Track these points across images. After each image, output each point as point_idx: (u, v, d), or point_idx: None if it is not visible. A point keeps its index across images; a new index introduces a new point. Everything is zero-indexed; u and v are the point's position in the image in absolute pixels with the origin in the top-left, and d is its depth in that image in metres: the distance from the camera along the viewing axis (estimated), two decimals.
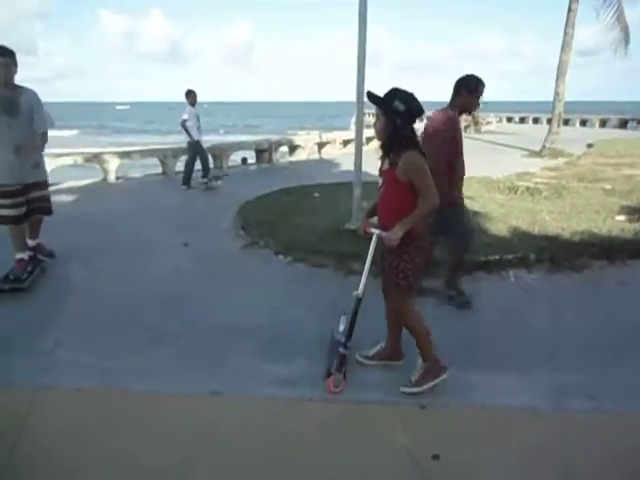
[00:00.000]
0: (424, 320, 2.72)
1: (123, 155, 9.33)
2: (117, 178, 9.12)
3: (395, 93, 2.48)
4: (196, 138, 8.22)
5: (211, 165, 9.15)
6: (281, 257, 4.82)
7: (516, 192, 7.35)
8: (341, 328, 3.00)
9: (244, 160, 11.50)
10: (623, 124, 22.38)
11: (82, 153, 9.19)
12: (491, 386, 2.77)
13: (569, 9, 11.76)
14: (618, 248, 4.71)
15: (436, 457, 2.23)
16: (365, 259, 2.75)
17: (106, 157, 8.99)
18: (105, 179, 9.04)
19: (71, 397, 2.70)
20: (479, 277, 4.35)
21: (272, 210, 6.34)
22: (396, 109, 2.45)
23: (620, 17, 12.44)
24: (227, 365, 2.98)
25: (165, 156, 9.70)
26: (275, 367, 2.94)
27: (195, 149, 8.35)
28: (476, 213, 6.02)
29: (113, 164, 9.03)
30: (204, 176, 8.48)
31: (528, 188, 7.46)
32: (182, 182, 8.39)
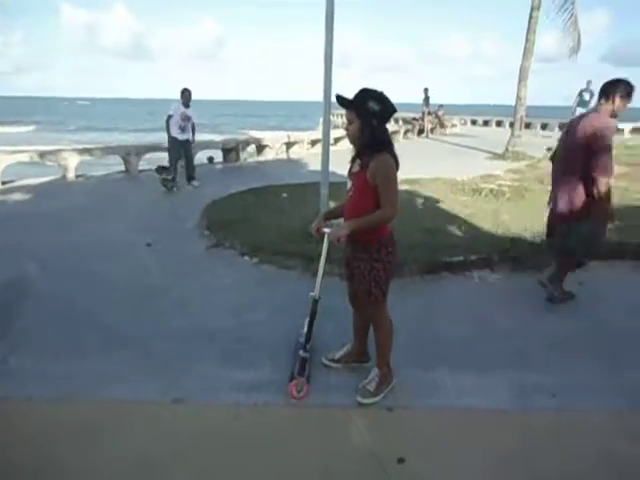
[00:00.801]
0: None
1: (83, 152, 9.01)
2: (77, 176, 8.79)
3: (367, 93, 2.37)
4: (175, 135, 8.08)
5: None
6: (247, 258, 4.74)
7: (480, 194, 7.48)
8: (306, 330, 2.95)
9: (210, 159, 11.29)
10: None
11: (38, 150, 8.80)
12: (456, 386, 2.78)
13: (530, 16, 12.09)
14: None
15: (401, 460, 2.22)
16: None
17: (65, 154, 8.65)
18: (64, 177, 8.69)
19: (23, 407, 2.56)
20: (444, 277, 4.39)
21: (238, 210, 6.24)
22: (371, 110, 2.35)
23: (574, 24, 12.87)
24: (190, 371, 2.88)
25: (128, 154, 9.41)
26: (239, 372, 2.86)
27: (174, 146, 8.19)
28: (441, 214, 6.11)
29: (72, 161, 8.69)
30: (189, 177, 8.34)
31: (492, 190, 7.61)
32: (193, 177, 8.35)
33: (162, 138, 8.55)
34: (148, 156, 10.16)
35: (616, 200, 7.18)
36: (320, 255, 2.66)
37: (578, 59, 13.69)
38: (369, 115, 2.35)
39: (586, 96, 15.04)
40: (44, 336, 3.25)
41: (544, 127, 24.36)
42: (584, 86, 15.27)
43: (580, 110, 13.12)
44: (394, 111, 2.43)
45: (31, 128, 40.94)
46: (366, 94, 2.37)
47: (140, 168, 9.67)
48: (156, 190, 7.95)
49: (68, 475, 2.11)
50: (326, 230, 2.60)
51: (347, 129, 2.46)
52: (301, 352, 2.61)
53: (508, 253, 4.70)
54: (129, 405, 2.57)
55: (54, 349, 3.09)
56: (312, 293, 2.65)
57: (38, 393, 2.65)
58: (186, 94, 7.95)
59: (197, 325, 3.42)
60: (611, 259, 4.73)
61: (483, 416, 2.57)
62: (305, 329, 2.71)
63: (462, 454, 2.31)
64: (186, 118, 8.05)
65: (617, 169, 10.58)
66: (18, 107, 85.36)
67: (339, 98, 2.42)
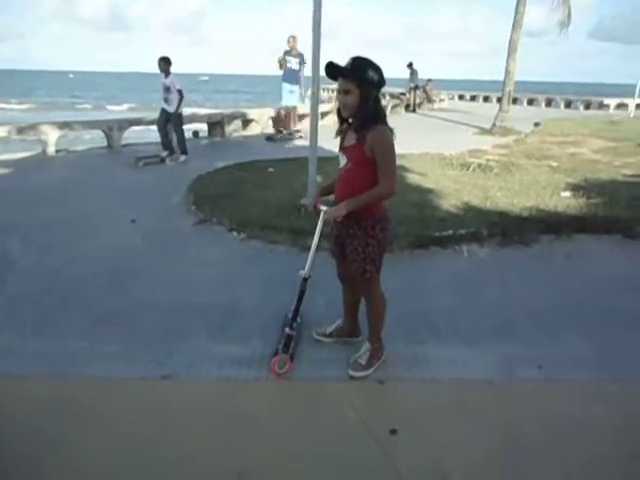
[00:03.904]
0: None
1: (63, 126, 8.72)
2: (57, 151, 8.53)
3: (366, 62, 2.26)
4: (162, 107, 8.07)
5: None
6: (235, 234, 4.67)
7: (468, 168, 7.46)
8: (294, 308, 2.92)
9: (196, 133, 11.05)
10: (567, 104, 23.26)
11: (16, 125, 8.51)
12: (445, 359, 2.80)
13: None
14: (564, 223, 4.87)
15: (394, 432, 2.23)
16: (322, 234, 2.67)
17: (44, 128, 8.37)
18: (44, 151, 8.43)
19: (13, 386, 2.51)
20: (434, 252, 4.38)
21: (225, 185, 6.13)
22: (371, 79, 2.24)
23: None
24: (178, 346, 2.85)
25: (110, 128, 9.15)
26: (229, 348, 2.84)
27: (159, 118, 8.16)
28: (430, 189, 6.08)
29: (52, 136, 8.42)
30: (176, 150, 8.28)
31: (480, 165, 7.60)
32: (182, 152, 8.24)
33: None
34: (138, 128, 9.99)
35: (603, 175, 7.28)
36: (314, 232, 2.57)
37: (564, 34, 13.62)
38: (370, 85, 2.26)
39: None
40: (25, 313, 3.17)
41: (531, 102, 24.35)
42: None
43: None
44: (384, 83, 2.34)
45: (25, 107, 38.09)
46: (365, 63, 2.26)
47: (123, 142, 9.42)
48: (142, 167, 7.76)
49: (52, 454, 2.08)
50: (322, 208, 2.53)
51: (343, 100, 2.31)
52: (287, 329, 2.58)
53: (496, 227, 4.71)
54: (115, 382, 2.54)
55: (35, 326, 3.03)
56: (302, 271, 2.59)
57: (19, 371, 2.60)
58: (160, 63, 7.71)
59: (185, 301, 3.38)
60: (599, 233, 4.77)
61: (471, 387, 2.59)
62: (293, 306, 2.67)
63: (452, 424, 2.33)
64: (166, 89, 7.82)
65: (603, 144, 10.67)
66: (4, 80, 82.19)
67: (333, 67, 2.27)
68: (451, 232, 4.58)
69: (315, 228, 2.59)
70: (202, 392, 2.52)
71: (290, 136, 10.42)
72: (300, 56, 9.67)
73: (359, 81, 2.24)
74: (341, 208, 2.34)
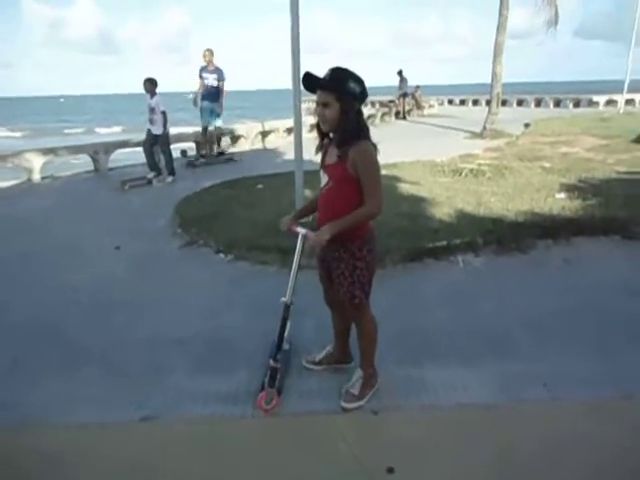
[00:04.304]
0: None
1: (47, 152, 8.58)
2: (43, 178, 8.39)
3: (346, 72, 2.11)
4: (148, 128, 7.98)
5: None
6: (221, 256, 4.51)
7: (460, 174, 7.34)
8: (285, 333, 2.76)
9: (184, 153, 10.92)
10: (557, 103, 23.31)
11: None
12: (443, 382, 2.63)
13: None
14: (561, 227, 4.73)
15: (391, 470, 2.05)
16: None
17: (27, 155, 8.23)
18: (29, 179, 8.29)
19: None
20: (427, 264, 4.23)
21: (212, 205, 5.99)
22: (352, 91, 2.09)
23: None
24: (159, 384, 2.68)
25: (96, 152, 9.03)
26: (213, 382, 2.67)
27: (146, 140, 8.08)
28: (422, 198, 5.94)
29: (37, 162, 8.28)
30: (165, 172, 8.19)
31: (472, 170, 7.48)
32: (169, 173, 8.12)
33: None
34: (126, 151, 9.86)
35: (597, 173, 7.17)
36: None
37: (548, 36, 13.66)
38: (351, 97, 2.11)
39: None
40: None
41: (520, 103, 24.40)
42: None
43: None
44: (367, 95, 2.19)
45: (17, 134, 37.00)
46: (345, 74, 2.11)
47: (110, 166, 9.29)
48: (128, 190, 7.63)
49: None
50: (300, 230, 2.35)
51: (321, 114, 2.15)
52: (271, 362, 2.41)
53: (492, 235, 4.57)
54: (92, 430, 2.36)
55: (7, 368, 2.84)
56: (283, 298, 2.40)
57: None
58: (146, 84, 7.62)
59: (168, 332, 3.21)
60: (597, 235, 4.63)
61: (473, 413, 2.42)
62: (286, 332, 2.50)
63: (455, 456, 2.16)
64: (151, 110, 7.73)
65: (595, 142, 10.57)
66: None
67: (310, 77, 2.12)
68: (445, 242, 4.43)
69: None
70: (184, 433, 2.34)
71: (215, 159, 9.61)
72: (218, 72, 8.86)
73: (339, 93, 2.09)
74: (324, 232, 2.17)
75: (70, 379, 2.74)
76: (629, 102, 20.75)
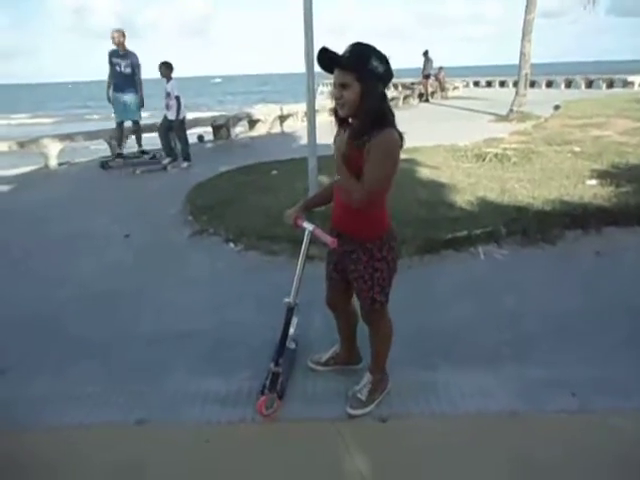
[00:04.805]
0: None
1: (64, 138, 8.55)
2: (60, 164, 8.38)
3: (368, 49, 1.80)
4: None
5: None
6: (231, 245, 4.36)
7: (484, 159, 7.00)
8: (291, 331, 2.58)
9: (200, 138, 10.80)
10: (588, 84, 22.30)
11: (17, 139, 8.40)
12: (459, 387, 2.43)
13: None
14: (592, 216, 4.42)
15: None
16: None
17: (44, 141, 8.21)
18: (46, 166, 8.29)
19: None
20: (446, 256, 3.99)
21: (225, 192, 5.83)
22: (375, 71, 1.79)
23: None
24: (158, 384, 2.55)
25: (112, 137, 8.96)
26: (214, 383, 2.52)
27: (161, 125, 7.99)
28: (443, 184, 5.67)
29: (53, 149, 8.26)
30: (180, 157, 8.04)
31: (496, 155, 7.12)
32: (184, 158, 7.94)
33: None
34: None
35: (632, 158, 6.73)
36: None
37: (582, 14, 12.98)
38: (374, 77, 1.80)
39: None
40: None
41: (549, 85, 23.45)
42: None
43: None
44: (393, 76, 1.89)
45: (52, 120, 35.40)
46: (367, 50, 1.80)
47: (126, 151, 9.22)
48: (141, 175, 7.55)
49: None
50: (307, 226, 2.12)
51: (339, 96, 1.85)
52: (272, 366, 2.24)
53: (516, 224, 4.29)
54: (82, 432, 2.24)
55: (3, 365, 2.75)
56: (287, 299, 2.22)
57: None
58: (161, 68, 7.46)
59: (171, 327, 3.08)
60: (631, 225, 4.31)
61: (492, 422, 2.22)
62: (293, 330, 2.32)
63: (469, 471, 1.97)
64: (167, 94, 7.59)
65: (630, 124, 10.01)
66: (15, 94, 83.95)
67: (327, 54, 1.81)
68: (465, 232, 4.18)
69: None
70: (179, 438, 2.21)
71: (135, 159, 8.24)
72: (131, 56, 7.62)
73: (359, 72, 1.79)
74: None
75: (66, 377, 2.63)
76: None
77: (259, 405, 2.23)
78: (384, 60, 1.82)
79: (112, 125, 8.57)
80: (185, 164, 7.91)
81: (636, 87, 20.41)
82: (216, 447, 2.15)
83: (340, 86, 1.84)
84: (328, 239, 1.99)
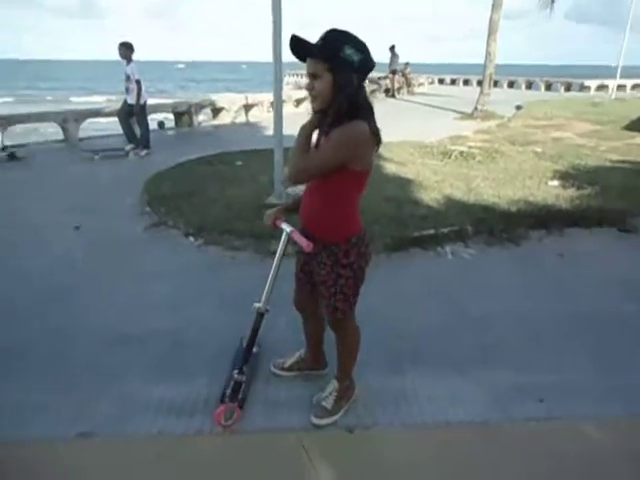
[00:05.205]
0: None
1: (11, 120, 8.00)
2: (3, 148, 7.82)
3: (341, 36, 1.63)
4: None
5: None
6: (191, 239, 4.14)
7: (450, 157, 7.02)
8: (245, 348, 2.40)
9: (161, 124, 10.38)
10: (548, 86, 22.99)
11: None
12: (428, 394, 2.34)
13: None
14: (555, 217, 4.47)
15: None
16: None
17: None
18: None
19: None
20: (414, 254, 3.93)
21: (186, 182, 5.58)
22: (349, 60, 1.62)
23: None
24: (105, 392, 2.33)
25: (65, 120, 8.45)
26: (168, 390, 2.33)
27: (120, 110, 7.57)
28: (409, 181, 5.61)
29: None
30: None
31: (462, 152, 7.16)
32: (144, 146, 7.59)
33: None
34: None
35: (590, 160, 6.91)
36: (280, 236, 2.00)
37: (541, 17, 13.32)
38: (347, 67, 1.64)
39: None
40: None
41: (511, 85, 24.04)
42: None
43: None
44: (373, 66, 1.72)
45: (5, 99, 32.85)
46: (341, 37, 1.63)
47: (80, 136, 8.74)
48: (100, 161, 7.14)
49: None
50: (285, 228, 1.96)
51: (310, 88, 1.71)
52: (235, 374, 2.08)
53: (483, 224, 4.27)
54: (13, 447, 2.02)
55: None
56: (257, 304, 2.07)
57: None
58: (120, 49, 7.04)
59: (124, 328, 2.85)
60: (592, 226, 4.38)
61: (462, 431, 2.14)
62: (245, 345, 2.16)
63: None
64: (127, 77, 7.20)
65: (587, 127, 10.32)
66: None
67: (298, 42, 1.66)
68: (433, 231, 4.13)
69: None
70: (127, 453, 2.02)
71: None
72: None
73: (331, 62, 1.63)
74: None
75: (2, 384, 2.38)
76: (620, 88, 20.56)
77: (217, 415, 2.07)
78: (360, 48, 1.64)
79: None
80: (144, 152, 7.56)
81: (592, 91, 21.21)
82: (168, 463, 1.98)
83: (311, 76, 1.70)
84: (304, 242, 1.84)
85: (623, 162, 6.91)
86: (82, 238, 4.22)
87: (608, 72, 19.83)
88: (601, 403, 2.29)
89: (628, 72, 21.45)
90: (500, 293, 3.35)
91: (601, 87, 21.32)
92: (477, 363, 2.58)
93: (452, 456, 2.02)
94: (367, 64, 1.68)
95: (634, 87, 22.81)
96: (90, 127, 9.86)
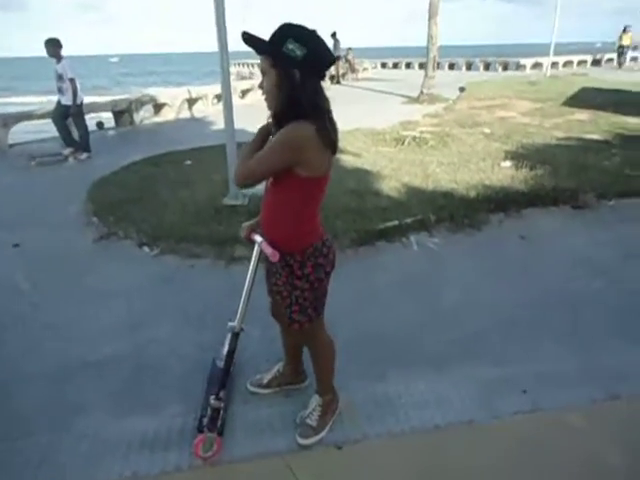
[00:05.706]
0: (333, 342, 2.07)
1: None
2: None
3: (287, 30, 1.54)
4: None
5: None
6: (146, 250, 3.88)
7: (403, 143, 7.01)
8: (226, 349, 2.27)
9: (100, 125, 9.78)
10: (486, 66, 23.61)
11: None
12: (412, 398, 2.28)
13: None
14: (512, 199, 4.52)
15: None
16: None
17: None
18: None
19: None
20: (380, 247, 3.86)
21: (133, 187, 5.25)
22: (290, 56, 1.53)
23: None
24: (67, 433, 2.12)
25: None
26: (138, 423, 2.15)
27: (55, 112, 7.03)
28: (367, 171, 5.54)
29: None
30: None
31: (414, 138, 7.16)
32: (83, 149, 7.11)
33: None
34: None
35: (537, 138, 7.09)
36: (242, 240, 1.91)
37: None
38: (288, 63, 1.54)
39: None
40: None
41: (452, 67, 24.52)
42: None
43: None
44: (330, 60, 1.63)
45: None
46: (283, 31, 1.54)
47: (11, 142, 8.09)
48: (36, 168, 6.62)
49: None
50: (257, 239, 1.82)
51: (261, 86, 1.64)
52: (212, 400, 1.93)
53: (444, 211, 4.26)
54: None
55: None
56: (231, 323, 1.93)
57: None
58: (47, 47, 6.49)
59: (78, 356, 2.61)
60: (547, 205, 4.47)
61: (452, 435, 2.09)
62: (221, 367, 2.01)
63: None
64: (58, 77, 6.67)
65: (529, 105, 10.61)
66: None
67: (248, 38, 1.58)
68: (396, 222, 4.07)
69: None
70: None
71: None
72: None
73: (273, 58, 1.56)
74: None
75: None
76: (554, 65, 21.36)
77: (196, 445, 1.92)
78: (305, 42, 1.53)
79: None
80: (84, 155, 7.08)
81: (527, 70, 21.95)
82: None
83: (262, 74, 1.63)
84: (269, 252, 1.72)
85: (568, 139, 7.14)
86: (23, 257, 3.86)
87: (542, 50, 20.54)
88: (582, 388, 2.31)
89: (559, 49, 22.31)
90: (469, 282, 3.34)
91: (536, 65, 22.09)
92: (456, 359, 2.54)
93: (446, 460, 1.97)
94: (313, 59, 1.55)
95: (566, 64, 23.82)
96: (20, 130, 9.15)
